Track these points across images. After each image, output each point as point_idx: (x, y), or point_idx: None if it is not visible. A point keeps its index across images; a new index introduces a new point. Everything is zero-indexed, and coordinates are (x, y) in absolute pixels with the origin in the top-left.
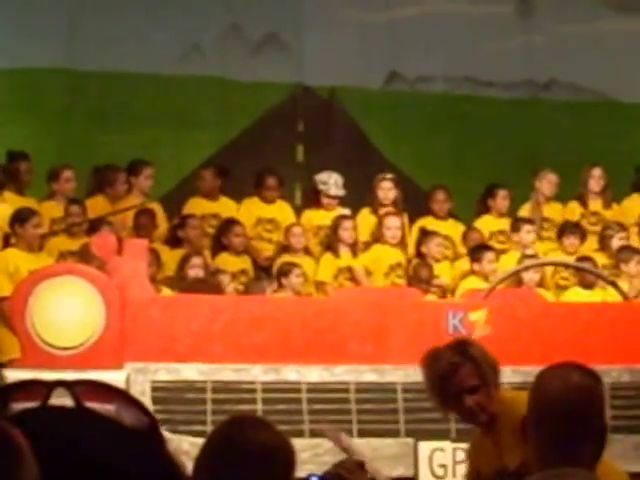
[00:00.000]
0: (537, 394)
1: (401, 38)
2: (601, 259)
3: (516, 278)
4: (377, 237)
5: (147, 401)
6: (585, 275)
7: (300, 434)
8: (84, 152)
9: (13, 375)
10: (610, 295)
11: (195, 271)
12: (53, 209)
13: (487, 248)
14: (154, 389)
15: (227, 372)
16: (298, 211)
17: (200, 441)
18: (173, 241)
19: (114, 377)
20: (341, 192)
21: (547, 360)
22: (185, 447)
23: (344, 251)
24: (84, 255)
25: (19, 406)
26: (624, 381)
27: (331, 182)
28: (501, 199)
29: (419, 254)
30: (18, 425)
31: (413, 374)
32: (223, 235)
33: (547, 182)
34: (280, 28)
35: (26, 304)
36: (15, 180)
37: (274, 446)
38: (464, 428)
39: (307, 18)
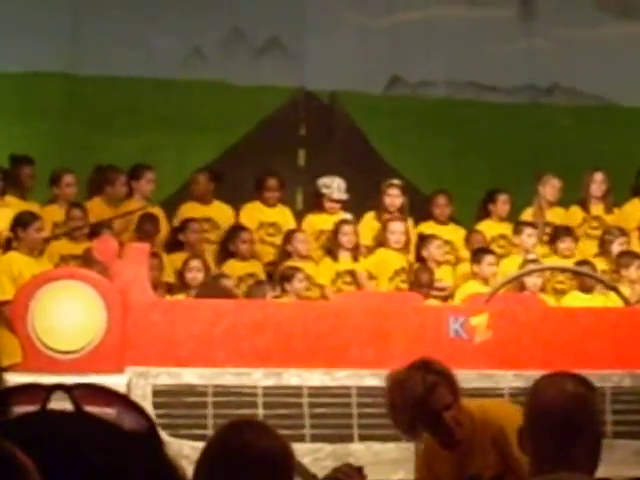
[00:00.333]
0: (533, 403)
1: (403, 42)
2: (601, 264)
3: (518, 283)
4: (381, 241)
5: (148, 405)
6: (584, 279)
7: (301, 439)
8: (85, 156)
9: (14, 379)
10: (611, 300)
11: (193, 274)
12: (55, 213)
13: (487, 251)
14: (155, 393)
15: (228, 376)
16: (299, 215)
17: (201, 445)
18: (172, 245)
19: (115, 381)
20: (344, 196)
21: (548, 365)
22: (186, 451)
23: (343, 255)
24: (87, 259)
25: (19, 410)
26: (625, 386)
27: (334, 186)
28: (502, 204)
29: (420, 259)
30: (17, 429)
31: None
32: (230, 241)
33: (550, 187)
34: (282, 32)
35: (27, 308)
36: (18, 184)
37: (273, 450)
38: None
39: (309, 22)
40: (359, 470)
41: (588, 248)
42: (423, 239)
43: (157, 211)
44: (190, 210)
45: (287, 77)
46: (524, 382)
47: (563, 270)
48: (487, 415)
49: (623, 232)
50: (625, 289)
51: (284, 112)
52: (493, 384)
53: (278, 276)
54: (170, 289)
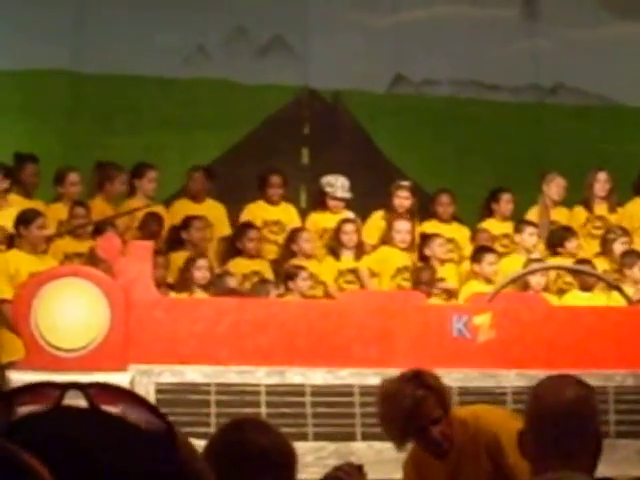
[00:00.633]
0: (534, 406)
1: (406, 42)
2: (602, 264)
3: (521, 282)
4: (386, 240)
5: None
6: (585, 278)
7: (304, 437)
8: (89, 155)
9: (17, 377)
10: (613, 299)
11: (202, 273)
12: (60, 211)
13: (488, 250)
14: (158, 391)
15: (231, 375)
16: (303, 214)
17: (203, 443)
18: (172, 243)
19: (118, 379)
20: (348, 195)
21: (551, 364)
22: None
23: (345, 254)
24: (92, 258)
25: (25, 409)
26: (628, 385)
27: (338, 185)
28: (505, 203)
29: (423, 258)
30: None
31: None
32: (237, 239)
33: (555, 186)
34: (286, 31)
35: (30, 306)
36: (22, 182)
37: (275, 449)
38: None
39: (313, 21)
40: (359, 469)
41: (591, 248)
42: (425, 238)
43: (161, 210)
44: (183, 208)
45: (291, 76)
46: (527, 381)
47: (566, 269)
48: (480, 422)
49: (625, 231)
50: (628, 288)
51: (288, 111)
52: (496, 383)
53: (282, 275)
54: (171, 287)
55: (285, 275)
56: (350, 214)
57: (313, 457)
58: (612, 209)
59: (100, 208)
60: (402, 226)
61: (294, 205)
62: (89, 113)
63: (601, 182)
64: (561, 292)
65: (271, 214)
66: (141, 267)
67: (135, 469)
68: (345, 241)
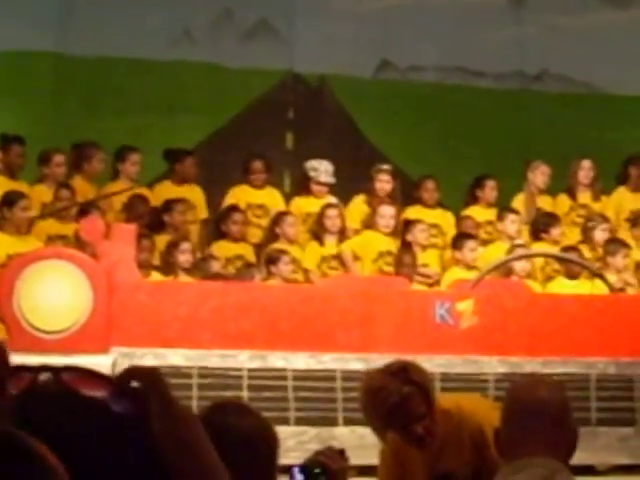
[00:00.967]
0: (509, 403)
1: (393, 27)
2: (584, 251)
3: (505, 268)
4: (369, 224)
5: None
6: (570, 266)
7: (286, 422)
8: (74, 137)
9: None
10: (597, 287)
11: (185, 256)
12: (43, 193)
13: (468, 236)
14: None
15: (213, 358)
16: (287, 198)
17: None
18: (154, 226)
19: (100, 361)
20: (331, 180)
21: (534, 351)
22: None
23: (329, 239)
24: (78, 240)
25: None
26: (610, 373)
27: (322, 169)
28: (489, 190)
29: (405, 243)
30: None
31: None
32: (222, 222)
33: (540, 173)
34: (271, 15)
35: (13, 287)
36: (7, 164)
37: (256, 432)
38: None
39: (299, 5)
40: (341, 453)
41: (575, 236)
42: (408, 223)
43: (145, 192)
44: (164, 190)
45: (276, 60)
46: (509, 368)
47: (550, 256)
48: (464, 413)
49: (605, 218)
50: (611, 276)
51: (273, 95)
52: (478, 370)
53: (264, 258)
54: (158, 269)
55: (267, 259)
56: (333, 199)
57: (295, 441)
58: (596, 197)
59: (81, 189)
60: (386, 211)
61: (278, 190)
62: (74, 95)
63: (585, 170)
64: (549, 279)
65: (255, 198)
66: (124, 250)
67: (102, 450)
68: (329, 226)
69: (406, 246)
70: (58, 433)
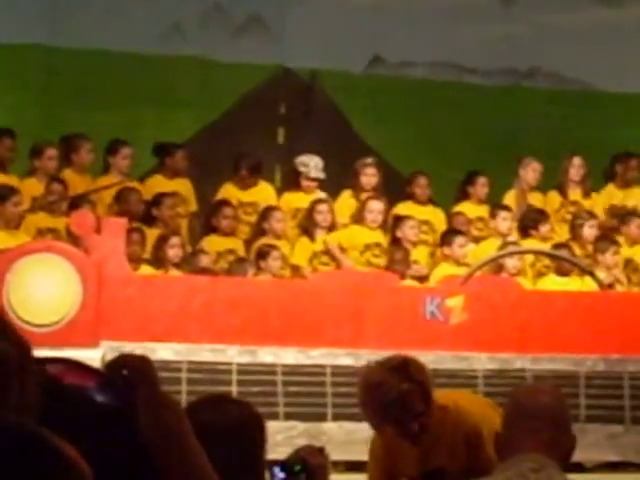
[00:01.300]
0: (510, 407)
1: (385, 23)
2: (577, 249)
3: (496, 265)
4: (357, 219)
5: None
6: (561, 263)
7: (275, 417)
8: (64, 130)
9: None
10: (586, 284)
11: (175, 251)
12: (34, 187)
13: (458, 232)
14: None
15: (203, 353)
16: (278, 193)
17: None
18: (144, 220)
19: (90, 355)
20: (321, 175)
21: (523, 348)
22: None
23: (320, 235)
24: (70, 234)
25: None
26: (599, 370)
27: (312, 164)
28: (480, 186)
29: (395, 240)
30: None
31: None
32: (212, 216)
33: (532, 170)
34: (263, 9)
35: (3, 280)
36: None
37: (238, 425)
38: None
39: (290, 0)
40: (320, 450)
41: (566, 233)
42: (398, 220)
43: (136, 186)
44: (155, 184)
45: (267, 54)
46: (498, 365)
47: (539, 253)
48: (461, 412)
49: (592, 215)
50: (601, 273)
51: (264, 90)
52: (467, 366)
53: (253, 253)
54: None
55: (257, 254)
56: (323, 194)
57: (283, 436)
58: (586, 194)
59: (72, 181)
60: (374, 206)
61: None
62: (65, 88)
63: (576, 167)
64: (539, 276)
65: (245, 196)
66: (115, 244)
67: (87, 441)
68: (319, 221)
69: (397, 242)
70: (42, 424)
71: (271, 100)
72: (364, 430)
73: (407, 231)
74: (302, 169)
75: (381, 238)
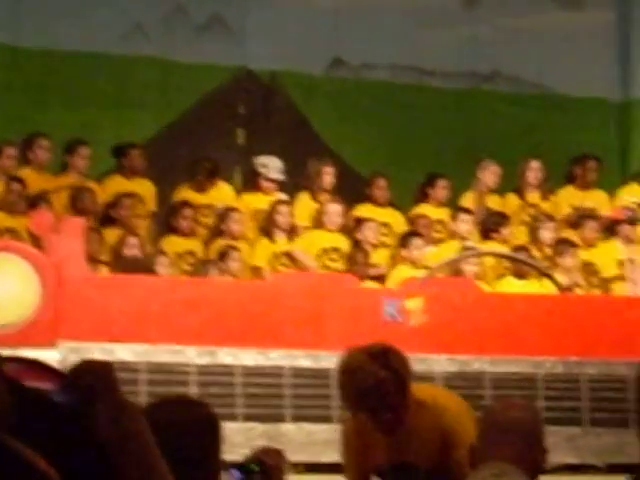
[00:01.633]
0: (484, 420)
1: (346, 25)
2: (533, 251)
3: (454, 269)
4: (317, 223)
5: None
6: (519, 265)
7: (234, 418)
8: (24, 129)
9: None
10: (545, 287)
11: (132, 251)
12: None
13: (415, 234)
14: None
15: (162, 354)
16: (237, 194)
17: None
18: (104, 221)
19: (48, 356)
20: (281, 176)
21: (482, 350)
22: None
23: (280, 236)
24: (32, 235)
25: None
26: (557, 373)
27: (271, 166)
28: (440, 189)
29: (356, 242)
30: None
31: None
32: (172, 217)
33: (490, 173)
34: (224, 10)
35: None
36: None
37: (193, 427)
38: None
39: (252, 1)
40: (278, 452)
41: (524, 235)
42: (358, 222)
43: (93, 186)
44: (114, 185)
45: (228, 55)
46: (457, 367)
47: (499, 256)
48: (439, 408)
49: (551, 218)
50: (559, 276)
51: (224, 91)
52: (427, 368)
53: (215, 255)
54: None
55: (217, 255)
56: (283, 196)
57: (242, 438)
58: (545, 197)
59: (31, 180)
60: (332, 208)
61: (229, 185)
62: (24, 88)
63: (534, 171)
64: (500, 277)
65: (202, 198)
66: (73, 244)
67: (43, 442)
68: (280, 222)
69: (357, 244)
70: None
71: (232, 101)
72: (323, 431)
73: (367, 233)
74: (262, 170)
75: (340, 241)
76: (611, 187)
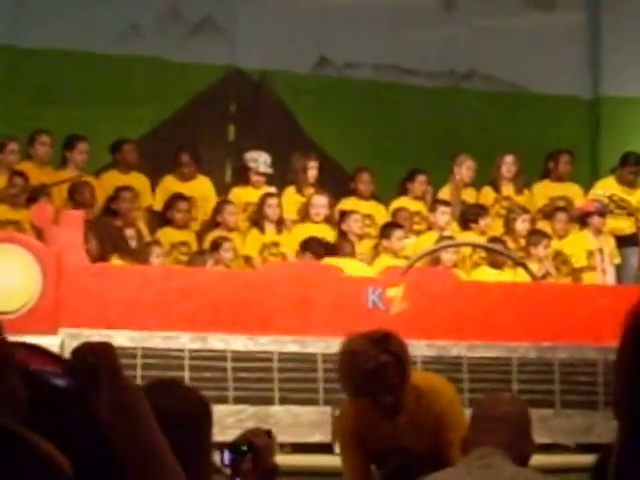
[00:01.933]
0: (475, 413)
1: (331, 25)
2: (508, 242)
3: (433, 258)
4: (304, 216)
5: None
6: (495, 256)
7: (225, 400)
8: (24, 127)
9: None
10: (519, 276)
11: (130, 242)
12: None
13: (396, 226)
14: None
15: (156, 339)
16: (228, 188)
17: None
18: (107, 213)
19: (49, 342)
20: (269, 170)
21: (459, 335)
22: None
23: (269, 227)
24: (34, 226)
25: None
26: (530, 357)
27: (261, 160)
28: (418, 184)
29: (342, 233)
30: None
31: (333, 346)
32: (167, 210)
33: (466, 168)
34: (216, 12)
35: None
36: None
37: (184, 411)
38: None
39: (242, 2)
40: (268, 433)
41: (500, 227)
42: (343, 214)
43: (92, 180)
44: (111, 179)
45: (219, 55)
46: (436, 351)
47: (476, 246)
48: (434, 393)
49: (525, 210)
50: (533, 266)
51: (215, 89)
52: None
53: (208, 246)
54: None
55: (210, 246)
56: (271, 189)
57: (233, 419)
58: (518, 190)
59: (32, 173)
60: (317, 200)
61: (219, 180)
62: (25, 86)
63: (508, 164)
64: (475, 266)
65: (183, 189)
66: (72, 235)
67: (44, 426)
68: (269, 214)
69: (343, 235)
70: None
71: (223, 99)
72: (309, 413)
73: (352, 224)
74: (251, 164)
75: (327, 233)
76: (582, 180)
